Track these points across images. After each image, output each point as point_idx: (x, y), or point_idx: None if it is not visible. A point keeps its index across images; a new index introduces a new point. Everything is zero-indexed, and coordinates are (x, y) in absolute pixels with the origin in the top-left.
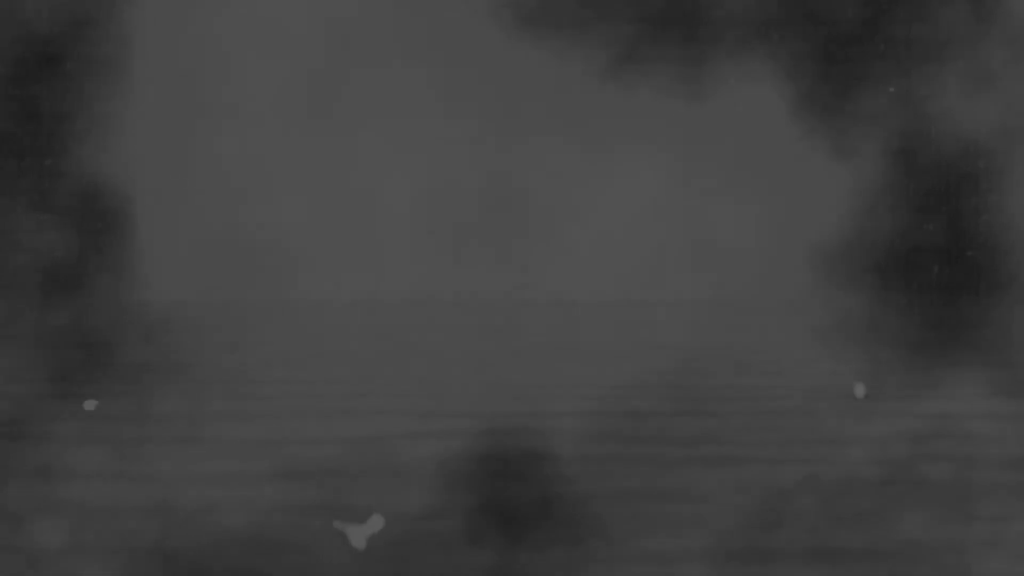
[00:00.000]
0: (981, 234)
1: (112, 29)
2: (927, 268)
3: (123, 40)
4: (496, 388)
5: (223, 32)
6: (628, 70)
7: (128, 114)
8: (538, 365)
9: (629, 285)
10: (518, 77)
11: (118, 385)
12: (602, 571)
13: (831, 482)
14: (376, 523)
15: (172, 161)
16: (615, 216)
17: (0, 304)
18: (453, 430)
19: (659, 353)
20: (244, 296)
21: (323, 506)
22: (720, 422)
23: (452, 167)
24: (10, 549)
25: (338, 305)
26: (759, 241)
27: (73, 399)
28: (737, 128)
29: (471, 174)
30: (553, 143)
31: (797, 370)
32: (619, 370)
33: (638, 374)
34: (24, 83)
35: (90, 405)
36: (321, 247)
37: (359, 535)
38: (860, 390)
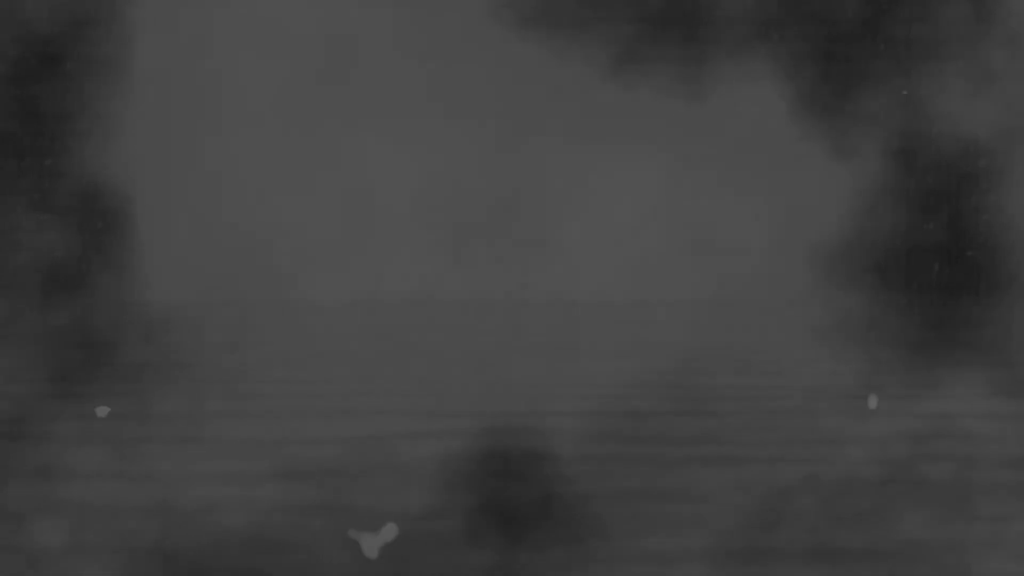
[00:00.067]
0: (981, 234)
1: (112, 29)
2: (927, 268)
3: (123, 40)
4: (496, 388)
5: (223, 32)
6: (628, 70)
7: (128, 114)
8: (538, 365)
9: (629, 285)
10: (518, 77)
11: (118, 385)
12: (602, 571)
13: (831, 482)
14: (390, 532)
15: (172, 161)
16: (615, 216)
17: (0, 304)
18: (453, 430)
19: (659, 353)
20: (244, 296)
21: (323, 506)
22: (720, 422)
23: (452, 167)
24: (10, 549)
25: (338, 305)
26: (759, 241)
27: (73, 399)
28: (737, 128)
29: (471, 174)
30: (553, 143)
31: (797, 370)
32: (619, 370)
33: (638, 374)
34: (24, 83)
35: (103, 411)
36: (321, 247)
37: (372, 544)
38: (873, 401)
